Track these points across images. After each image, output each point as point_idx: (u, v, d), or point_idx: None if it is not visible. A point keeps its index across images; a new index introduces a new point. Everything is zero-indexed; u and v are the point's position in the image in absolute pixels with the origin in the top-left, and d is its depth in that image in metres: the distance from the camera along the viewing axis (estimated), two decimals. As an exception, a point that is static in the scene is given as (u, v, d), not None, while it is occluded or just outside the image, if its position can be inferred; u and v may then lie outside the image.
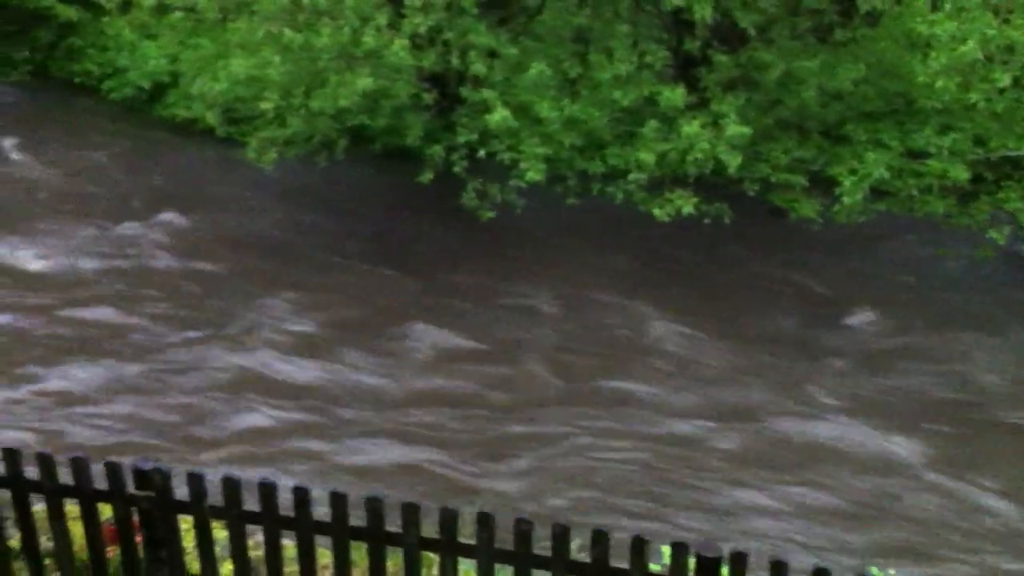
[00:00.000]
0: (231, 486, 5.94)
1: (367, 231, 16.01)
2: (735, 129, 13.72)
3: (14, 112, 19.69)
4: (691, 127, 13.76)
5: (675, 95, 13.93)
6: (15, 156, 18.13)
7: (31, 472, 6.19)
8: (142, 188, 17.19)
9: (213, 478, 6.04)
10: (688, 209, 13.89)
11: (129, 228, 15.67)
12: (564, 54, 15.16)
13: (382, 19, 14.12)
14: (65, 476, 6.15)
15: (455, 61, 14.59)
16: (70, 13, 20.48)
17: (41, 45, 20.88)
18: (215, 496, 5.98)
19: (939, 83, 13.79)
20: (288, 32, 14.05)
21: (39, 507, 6.41)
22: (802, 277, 15.38)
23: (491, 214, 14.49)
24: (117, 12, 17.47)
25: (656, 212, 14.05)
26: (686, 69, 15.27)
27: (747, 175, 14.70)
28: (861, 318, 14.28)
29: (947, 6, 14.13)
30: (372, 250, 15.42)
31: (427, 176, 14.56)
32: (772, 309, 14.42)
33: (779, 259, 15.73)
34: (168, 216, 16.08)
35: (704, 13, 13.83)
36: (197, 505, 5.99)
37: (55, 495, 6.20)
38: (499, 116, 13.74)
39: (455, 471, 10.66)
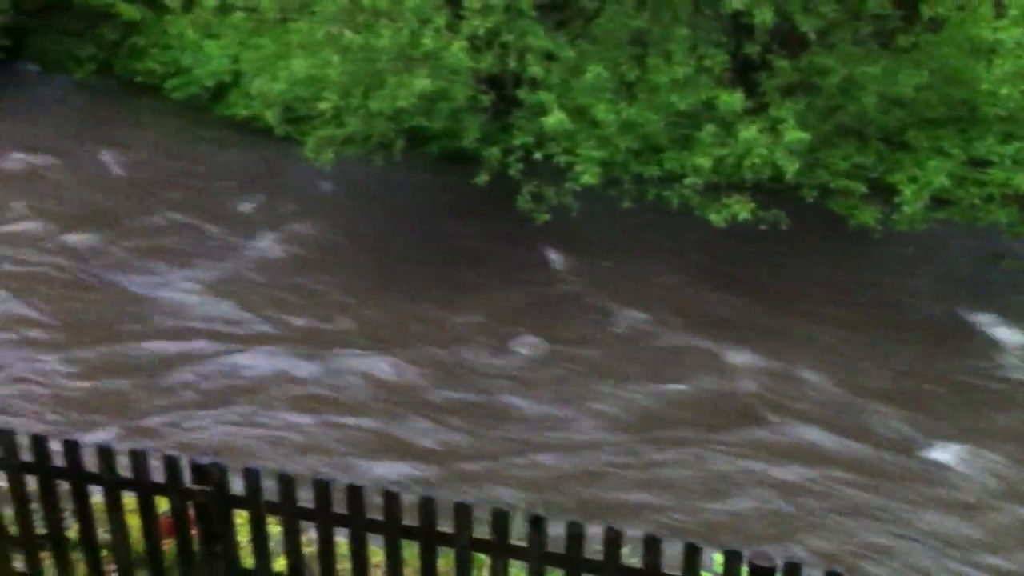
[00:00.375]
0: (286, 482, 6.00)
1: (418, 231, 16.10)
2: (794, 134, 13.60)
3: (83, 110, 20.06)
4: (749, 132, 13.66)
5: (733, 99, 13.83)
6: (104, 157, 18.38)
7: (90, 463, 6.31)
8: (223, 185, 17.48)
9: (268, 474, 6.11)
10: (745, 215, 13.80)
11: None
12: (622, 57, 15.10)
13: (441, 21, 14.20)
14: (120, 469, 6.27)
15: (512, 63, 14.61)
16: (134, 12, 20.81)
17: (106, 43, 21.22)
18: (271, 492, 6.05)
19: (1003, 90, 13.58)
20: (348, 33, 14.17)
21: (97, 499, 6.52)
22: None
23: (546, 216, 14.48)
24: (180, 11, 17.70)
25: (712, 217, 13.97)
26: (745, 73, 15.15)
27: (805, 181, 14.56)
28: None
29: (1012, 12, 13.90)
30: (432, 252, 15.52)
31: (483, 178, 14.58)
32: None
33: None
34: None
35: (764, 17, 13.73)
36: (253, 501, 6.07)
37: (114, 487, 6.30)
38: (555, 119, 13.73)
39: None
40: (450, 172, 16.97)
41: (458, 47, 13.84)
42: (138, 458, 6.21)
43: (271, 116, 16.31)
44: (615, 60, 14.93)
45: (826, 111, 15.08)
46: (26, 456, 6.33)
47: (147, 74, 20.81)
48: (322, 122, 15.52)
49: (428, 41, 13.78)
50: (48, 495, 6.40)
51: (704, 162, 13.94)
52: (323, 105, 14.57)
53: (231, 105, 19.64)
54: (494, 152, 14.77)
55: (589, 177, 13.98)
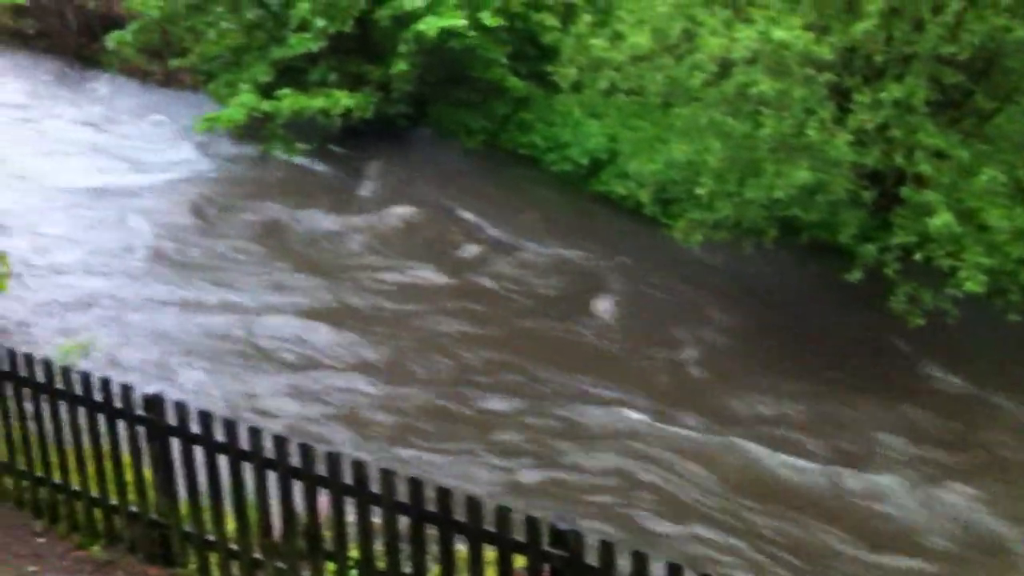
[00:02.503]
0: (639, 559, 6.00)
1: (786, 322, 15.78)
2: None
3: (468, 176, 21.43)
4: None
5: None
6: (475, 217, 19.55)
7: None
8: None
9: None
10: None
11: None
12: (1019, 161, 14.24)
13: (826, 113, 13.99)
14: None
15: (899, 159, 14.14)
16: (521, 87, 22.04)
17: (496, 117, 22.56)
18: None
19: None
20: (731, 120, 14.26)
21: (460, 547, 6.81)
22: None
23: (921, 321, 13.79)
24: (569, 91, 18.52)
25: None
26: None
27: None
28: None
29: None
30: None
31: (856, 275, 14.11)
32: None
33: None
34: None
35: None
36: (606, 573, 6.10)
37: (477, 539, 6.55)
38: (942, 220, 13.10)
39: None
40: (818, 263, 16.57)
41: (843, 140, 13.56)
42: (502, 513, 6.43)
43: (644, 195, 16.67)
44: (1011, 163, 14.09)
45: None
46: (402, 498, 6.72)
47: (530, 147, 21.88)
48: (693, 205, 15.67)
49: (812, 132, 13.59)
50: (418, 537, 6.75)
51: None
52: (700, 190, 14.69)
53: (605, 182, 20.22)
54: (870, 249, 14.27)
55: (973, 284, 13.17)
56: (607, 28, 17.14)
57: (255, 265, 17.36)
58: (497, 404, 13.45)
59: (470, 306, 16.20)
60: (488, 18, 21.01)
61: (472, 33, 20.88)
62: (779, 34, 13.50)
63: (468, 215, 19.54)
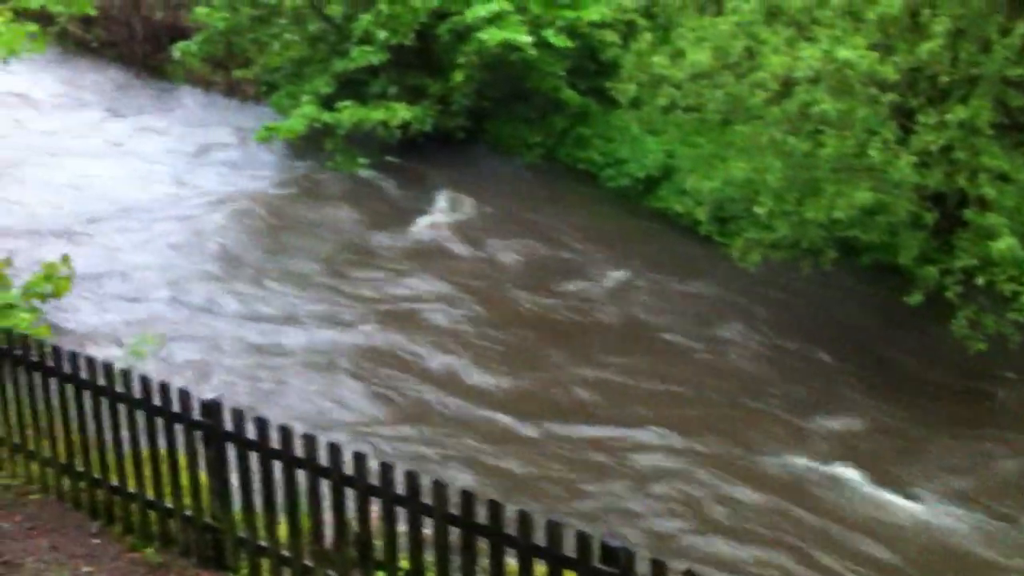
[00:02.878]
0: (693, 580, 5.95)
1: (847, 345, 15.59)
2: None
3: (525, 190, 21.46)
4: None
5: None
6: (532, 230, 19.57)
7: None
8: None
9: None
10: None
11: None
12: (1087, 185, 13.99)
13: (889, 134, 13.84)
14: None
15: (962, 181, 13.93)
16: (580, 102, 22.07)
17: (554, 132, 22.59)
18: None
19: None
20: (791, 139, 14.15)
21: (511, 561, 6.79)
22: None
23: (982, 346, 13.56)
24: (628, 107, 18.49)
25: None
26: None
27: None
28: None
29: None
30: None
31: (917, 297, 13.92)
32: None
33: None
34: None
35: None
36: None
37: (528, 553, 6.53)
38: (1005, 244, 12.91)
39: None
40: (877, 284, 16.38)
41: (906, 161, 13.40)
42: (554, 529, 6.40)
43: (701, 213, 16.59)
44: (1079, 187, 13.84)
45: None
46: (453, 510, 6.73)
47: (587, 162, 21.88)
48: (750, 224, 15.56)
49: (875, 153, 13.45)
50: (468, 550, 6.74)
51: None
52: (758, 209, 14.59)
53: (662, 199, 20.16)
54: (931, 271, 14.08)
55: (1036, 310, 12.96)
56: (667, 45, 17.11)
57: (320, 277, 17.52)
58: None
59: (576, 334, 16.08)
60: (553, 36, 21.04)
61: (533, 51, 20.93)
62: (843, 54, 13.39)
63: (535, 229, 19.55)
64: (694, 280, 17.66)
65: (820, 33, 14.36)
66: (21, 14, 12.12)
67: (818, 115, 13.81)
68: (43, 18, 15.53)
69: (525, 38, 20.66)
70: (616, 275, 17.83)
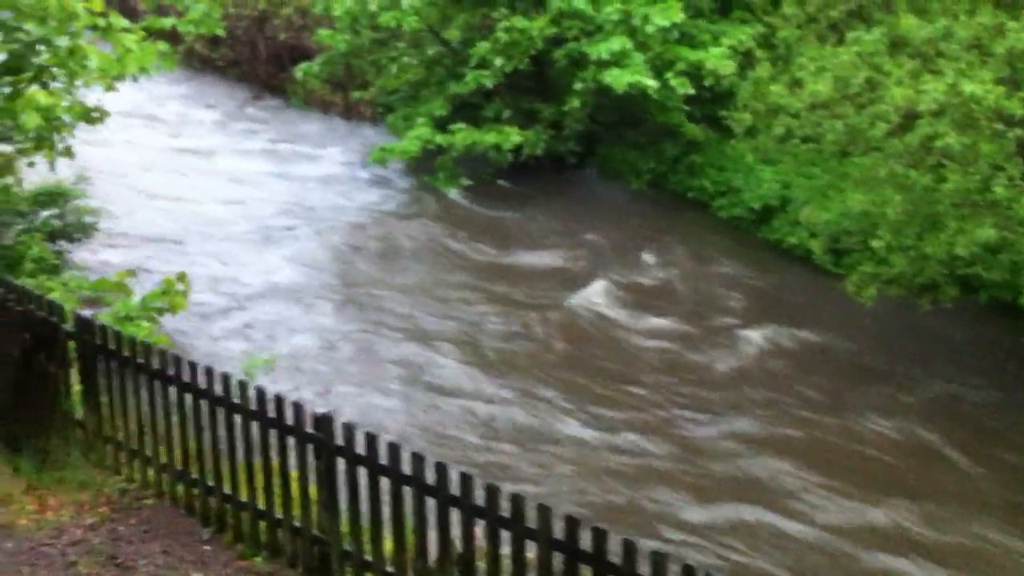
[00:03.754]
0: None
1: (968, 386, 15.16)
2: None
3: (636, 217, 21.38)
4: None
5: None
6: (646, 260, 19.51)
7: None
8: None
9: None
10: None
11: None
12: None
13: (1015, 170, 13.45)
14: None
15: (1091, 221, 13.46)
16: (697, 132, 21.92)
17: (665, 159, 22.49)
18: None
19: None
20: (912, 172, 13.85)
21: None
22: None
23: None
24: (743, 136, 18.32)
25: None
26: None
27: None
28: None
29: None
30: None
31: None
32: None
33: None
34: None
35: None
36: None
37: (603, 571, 6.50)
38: None
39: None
40: (995, 323, 15.89)
41: (1033, 198, 13.01)
42: (629, 548, 6.36)
43: (816, 245, 16.33)
44: None
45: None
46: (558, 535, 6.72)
47: (698, 190, 21.72)
48: (866, 257, 15.24)
49: (1000, 189, 13.09)
50: (572, 572, 6.72)
51: None
52: (875, 243, 14.30)
53: (775, 230, 19.89)
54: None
55: None
56: (785, 75, 16.92)
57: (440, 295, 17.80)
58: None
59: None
60: (674, 79, 20.88)
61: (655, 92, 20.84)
62: (969, 87, 13.08)
63: (649, 258, 19.49)
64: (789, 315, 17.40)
65: (945, 66, 14.05)
66: (152, 33, 12.54)
67: (941, 149, 13.49)
68: (172, 37, 16.06)
69: (651, 83, 20.54)
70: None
